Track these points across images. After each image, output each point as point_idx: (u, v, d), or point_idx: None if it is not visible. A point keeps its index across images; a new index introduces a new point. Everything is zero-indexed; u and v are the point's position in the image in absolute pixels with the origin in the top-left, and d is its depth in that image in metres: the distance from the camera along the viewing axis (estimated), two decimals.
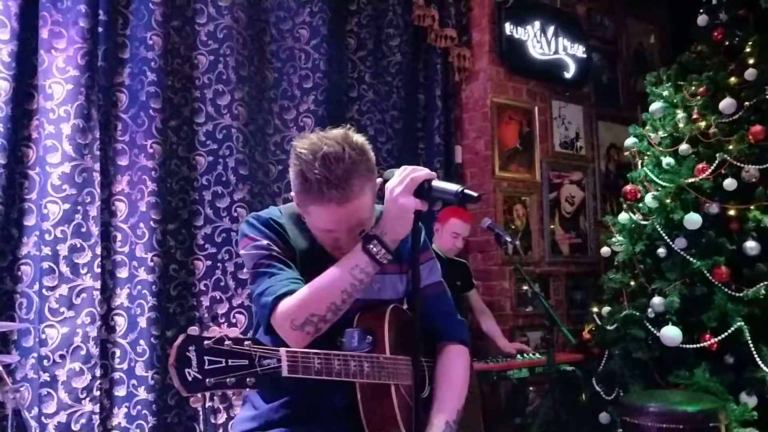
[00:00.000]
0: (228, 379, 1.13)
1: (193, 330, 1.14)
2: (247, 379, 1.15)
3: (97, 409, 2.67)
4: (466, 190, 1.22)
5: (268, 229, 1.45)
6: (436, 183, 1.27)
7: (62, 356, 2.63)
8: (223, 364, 1.13)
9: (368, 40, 3.84)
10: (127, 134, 2.94)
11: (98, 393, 2.68)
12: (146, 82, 2.95)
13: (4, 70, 2.62)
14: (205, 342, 1.12)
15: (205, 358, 1.12)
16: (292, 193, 1.42)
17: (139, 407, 2.77)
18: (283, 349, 1.22)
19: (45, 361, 2.59)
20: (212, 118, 3.13)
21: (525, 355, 3.34)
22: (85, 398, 2.64)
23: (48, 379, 2.59)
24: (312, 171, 1.30)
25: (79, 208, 2.73)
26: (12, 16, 2.66)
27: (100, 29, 2.87)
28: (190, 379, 1.10)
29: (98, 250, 2.76)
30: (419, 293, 1.31)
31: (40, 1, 2.74)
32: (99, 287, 2.74)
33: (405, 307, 1.56)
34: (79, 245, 2.71)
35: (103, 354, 2.76)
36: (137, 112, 2.94)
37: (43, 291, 2.62)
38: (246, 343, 1.16)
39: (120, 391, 2.79)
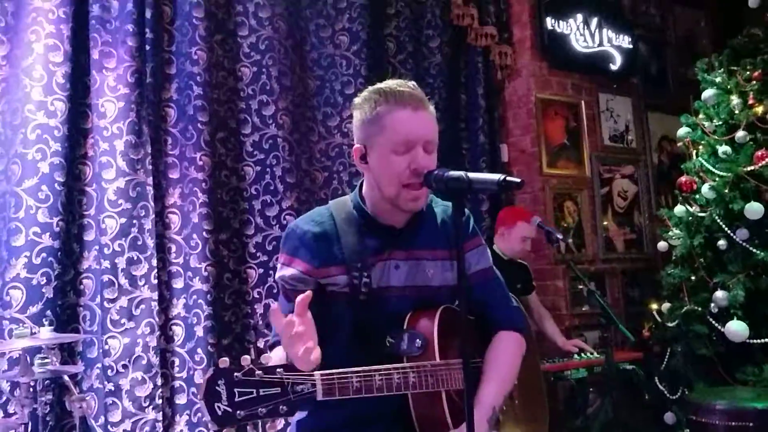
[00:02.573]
0: (260, 410, 1.12)
1: (224, 362, 1.14)
2: (281, 408, 1.15)
3: (159, 417, 2.73)
4: (508, 178, 1.20)
5: (301, 244, 1.48)
6: (474, 176, 1.25)
7: (125, 366, 2.70)
8: (254, 395, 1.13)
9: (408, 43, 3.84)
10: (177, 148, 3.01)
11: (160, 401, 2.74)
12: (193, 96, 3.01)
13: (60, 92, 2.72)
14: (235, 374, 1.12)
15: (236, 390, 1.11)
16: (357, 140, 1.49)
17: (199, 414, 2.82)
18: (318, 373, 1.21)
19: (109, 371, 2.67)
20: (258, 128, 3.18)
21: (583, 354, 3.26)
22: (148, 406, 2.71)
23: (112, 388, 2.66)
24: (384, 87, 1.44)
25: (134, 221, 2.81)
26: (65, 39, 2.76)
27: (147, 47, 2.95)
28: (220, 413, 1.10)
29: (154, 262, 2.83)
30: (465, 288, 1.28)
31: (90, 23, 2.83)
32: (156, 298, 2.81)
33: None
34: (136, 258, 2.79)
35: (163, 363, 2.82)
36: (185, 126, 3.01)
37: (105, 303, 2.70)
38: (278, 370, 1.16)
39: (181, 399, 2.84)
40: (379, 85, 1.47)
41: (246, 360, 1.14)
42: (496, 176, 1.22)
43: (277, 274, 1.54)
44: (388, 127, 1.41)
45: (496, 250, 3.38)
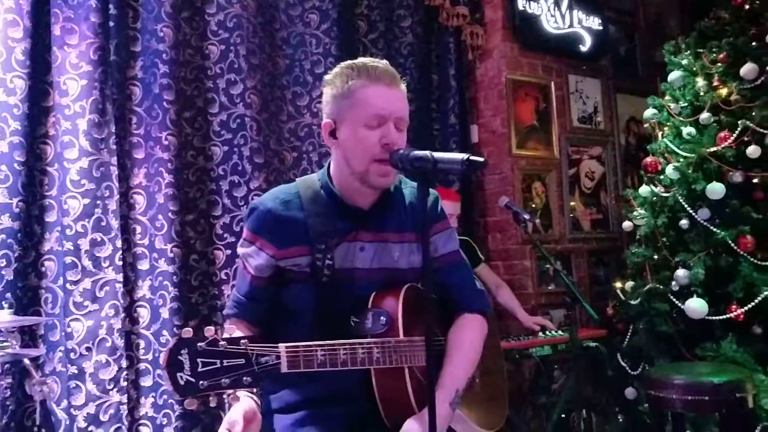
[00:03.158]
0: (223, 381, 1.12)
1: (187, 332, 1.13)
2: (244, 379, 1.14)
3: (124, 399, 2.71)
4: (471, 157, 1.21)
5: (264, 223, 1.49)
6: (439, 155, 1.26)
7: (88, 349, 2.67)
8: (218, 365, 1.12)
9: (379, 23, 3.81)
10: (142, 127, 2.95)
11: (125, 384, 2.72)
12: (159, 75, 2.96)
13: (19, 69, 2.65)
14: (199, 344, 1.11)
15: (199, 360, 1.11)
16: (327, 115, 1.48)
17: (165, 396, 2.81)
18: (282, 346, 1.21)
19: (72, 354, 2.64)
20: (226, 107, 3.14)
21: (547, 332, 3.32)
22: (112, 389, 2.69)
23: (76, 371, 2.63)
24: (358, 63, 1.45)
25: (98, 202, 2.76)
26: (24, 14, 2.68)
27: (111, 23, 2.88)
28: (182, 383, 1.09)
29: (119, 243, 2.79)
30: (430, 268, 1.29)
31: None
32: (121, 280, 2.77)
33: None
34: (99, 239, 2.75)
35: (128, 345, 2.80)
36: (151, 105, 2.96)
37: (67, 285, 2.66)
38: (242, 342, 1.15)
39: (146, 382, 2.83)
40: (351, 62, 1.48)
41: (210, 331, 1.14)
42: (461, 156, 1.23)
43: (239, 250, 1.54)
44: (360, 102, 1.41)
45: None
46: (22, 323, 2.32)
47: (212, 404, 1.15)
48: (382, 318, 1.39)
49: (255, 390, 1.37)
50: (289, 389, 1.51)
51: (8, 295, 2.51)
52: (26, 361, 2.09)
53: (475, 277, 1.67)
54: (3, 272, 2.52)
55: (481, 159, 1.22)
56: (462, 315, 1.57)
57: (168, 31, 2.99)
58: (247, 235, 1.52)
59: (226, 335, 1.15)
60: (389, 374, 1.36)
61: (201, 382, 1.10)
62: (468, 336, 1.54)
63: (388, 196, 1.53)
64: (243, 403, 1.26)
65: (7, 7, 2.64)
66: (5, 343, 2.05)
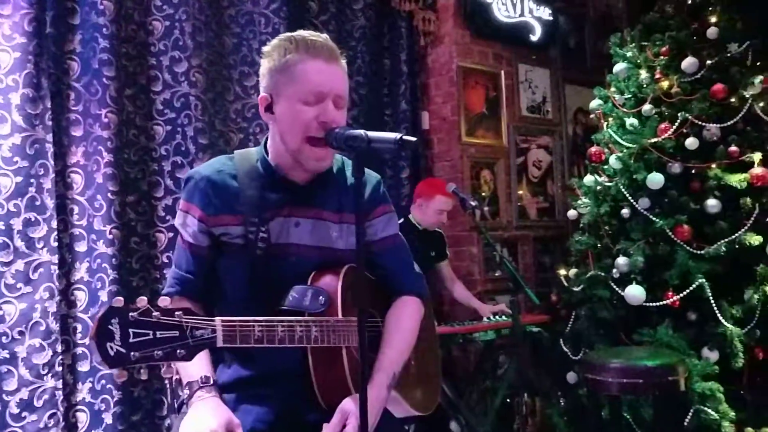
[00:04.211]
0: (156, 352, 1.08)
1: (118, 301, 1.08)
2: (178, 351, 1.11)
3: (60, 384, 2.63)
4: (404, 137, 1.20)
5: (197, 190, 1.46)
6: (373, 134, 1.24)
7: (21, 332, 2.57)
8: (150, 337, 1.08)
9: (330, 4, 3.75)
10: (80, 104, 2.84)
11: (60, 369, 2.64)
12: (98, 49, 2.84)
13: None
14: (131, 314, 1.07)
15: (130, 330, 1.06)
16: (263, 89, 1.44)
17: (103, 381, 2.74)
18: (218, 319, 1.18)
19: (3, 338, 2.54)
20: (169, 86, 3.04)
21: (495, 317, 3.37)
22: (47, 374, 2.60)
23: (7, 356, 2.54)
24: (297, 36, 1.41)
25: (32, 180, 2.65)
26: None
27: None
28: (112, 353, 1.05)
29: (54, 224, 2.69)
30: (362, 247, 1.27)
31: None
32: (56, 261, 2.68)
33: None
34: (33, 219, 2.64)
35: (64, 329, 2.70)
36: (90, 81, 2.84)
37: None
38: (177, 313, 1.12)
39: (83, 366, 2.74)
40: (290, 34, 1.43)
41: (142, 300, 1.10)
42: (394, 135, 1.22)
43: (176, 221, 1.51)
44: (298, 77, 1.37)
45: (412, 219, 3.42)
46: None
47: (143, 377, 1.12)
48: (321, 297, 1.37)
49: (212, 381, 1.36)
50: (223, 367, 1.48)
51: None
52: None
53: (413, 262, 1.67)
54: None
55: (413, 138, 1.21)
56: (400, 297, 1.57)
57: (108, 4, 2.87)
58: (182, 204, 1.48)
59: (159, 304, 1.12)
60: (326, 354, 1.35)
61: (132, 353, 1.06)
62: (405, 319, 1.54)
63: (327, 175, 1.51)
64: (217, 414, 1.27)
65: None
66: None
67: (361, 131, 1.25)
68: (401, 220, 3.31)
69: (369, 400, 1.19)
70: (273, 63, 1.41)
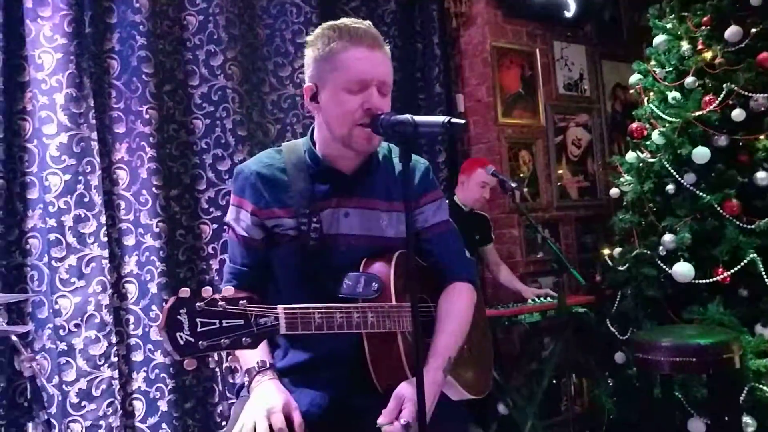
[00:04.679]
0: (222, 341, 1.11)
1: (185, 292, 1.11)
2: (243, 339, 1.13)
3: (116, 374, 2.71)
4: (452, 119, 1.19)
5: (248, 185, 1.48)
6: (420, 118, 1.24)
7: (77, 325, 2.65)
8: (217, 326, 1.11)
9: None
10: (122, 101, 2.90)
11: (116, 359, 2.71)
12: (136, 47, 2.90)
13: None
14: (197, 304, 1.10)
15: (198, 320, 1.09)
16: (308, 78, 1.45)
17: (157, 371, 2.81)
18: (281, 307, 1.21)
19: (61, 331, 2.62)
20: (206, 79, 3.08)
21: (539, 299, 3.34)
22: (103, 365, 2.68)
23: (65, 348, 2.62)
24: (340, 24, 1.41)
25: (80, 178, 2.72)
26: None
27: None
28: (182, 342, 1.08)
29: (103, 219, 2.75)
30: (412, 231, 1.28)
31: None
32: (107, 256, 2.75)
33: None
34: (83, 215, 2.71)
35: (117, 321, 2.79)
36: (130, 78, 2.90)
37: (52, 262, 2.63)
38: (241, 302, 1.14)
39: (137, 356, 2.82)
40: (333, 22, 1.43)
41: (207, 291, 1.12)
42: (442, 118, 1.22)
43: (228, 216, 1.53)
44: (342, 65, 1.38)
45: (457, 201, 3.42)
46: (8, 300, 2.30)
47: (211, 365, 1.15)
48: (374, 284, 1.39)
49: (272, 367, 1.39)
50: (279, 353, 1.51)
51: None
52: (14, 337, 2.07)
53: (464, 248, 1.67)
54: None
55: (462, 121, 1.20)
56: (452, 284, 1.57)
57: (144, 2, 2.92)
58: (233, 199, 1.52)
59: (224, 294, 1.14)
60: (382, 339, 1.36)
61: (201, 342, 1.09)
62: (459, 304, 1.54)
63: (375, 163, 1.51)
64: (276, 396, 1.31)
65: None
66: None
67: (408, 116, 1.25)
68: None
69: (425, 384, 1.20)
70: (317, 52, 1.42)
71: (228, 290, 1.15)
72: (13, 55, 2.68)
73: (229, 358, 1.18)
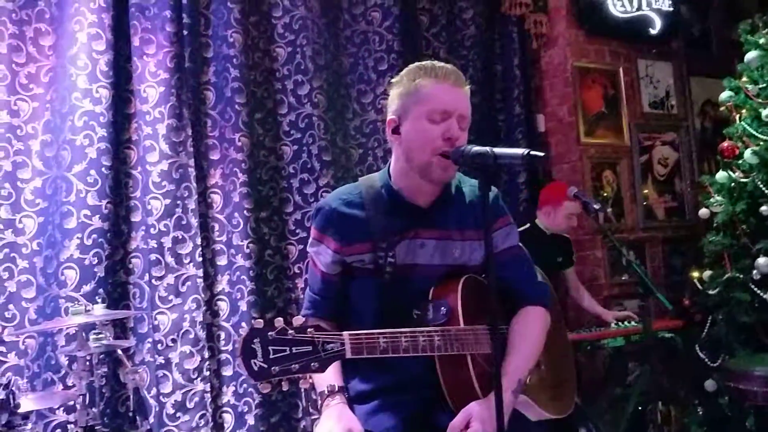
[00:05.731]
0: (293, 366, 1.20)
1: (258, 323, 1.22)
2: (312, 364, 1.22)
3: (208, 387, 2.86)
4: (532, 152, 1.24)
5: (329, 222, 1.56)
6: (499, 151, 1.28)
7: (174, 340, 2.83)
8: (287, 353, 1.21)
9: (441, 16, 3.82)
10: (216, 130, 3.10)
11: (208, 373, 2.87)
12: (230, 79, 3.09)
13: (103, 79, 2.82)
14: (269, 333, 1.20)
15: (270, 348, 1.20)
16: (392, 112, 1.53)
17: (245, 385, 2.95)
18: (346, 333, 1.29)
19: (159, 345, 2.81)
20: (294, 108, 3.24)
21: (620, 323, 3.26)
22: (196, 378, 2.84)
23: (163, 361, 2.80)
24: (426, 64, 1.52)
25: (178, 202, 2.91)
26: (106, 27, 2.85)
27: (185, 32, 3.02)
28: (256, 369, 1.19)
29: (198, 241, 2.94)
30: (492, 259, 1.32)
31: (130, 11, 2.92)
32: (201, 275, 2.92)
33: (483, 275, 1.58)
34: (181, 237, 2.90)
35: (210, 337, 2.95)
36: (224, 108, 3.09)
37: (153, 281, 2.83)
38: (309, 330, 1.24)
39: (227, 371, 2.97)
40: (420, 63, 1.54)
41: (279, 321, 1.23)
42: (520, 150, 1.27)
43: (309, 248, 1.62)
44: (426, 97, 1.47)
45: (540, 224, 3.38)
46: (114, 317, 2.49)
47: (284, 388, 1.24)
48: (442, 309, 1.44)
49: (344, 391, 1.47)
50: (360, 379, 1.57)
51: (101, 290, 2.69)
52: (119, 351, 2.25)
53: (537, 271, 1.68)
54: (95, 269, 2.71)
55: (541, 153, 1.25)
56: (525, 308, 1.60)
57: (237, 36, 3.11)
58: (314, 234, 1.60)
59: (293, 323, 1.23)
60: (453, 361, 1.41)
61: (273, 367, 1.19)
62: (532, 327, 1.56)
63: (448, 195, 1.57)
64: (340, 421, 1.38)
65: (90, 21, 2.81)
66: (100, 335, 2.22)
67: (487, 148, 1.30)
68: (527, 225, 3.30)
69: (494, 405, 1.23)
70: (402, 88, 1.50)
71: (298, 320, 1.24)
72: (121, 89, 2.93)
73: (301, 381, 1.26)
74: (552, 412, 1.55)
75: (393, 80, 1.55)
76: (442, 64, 1.51)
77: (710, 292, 3.35)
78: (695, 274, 3.57)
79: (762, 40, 3.36)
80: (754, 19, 3.52)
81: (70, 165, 2.74)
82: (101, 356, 2.62)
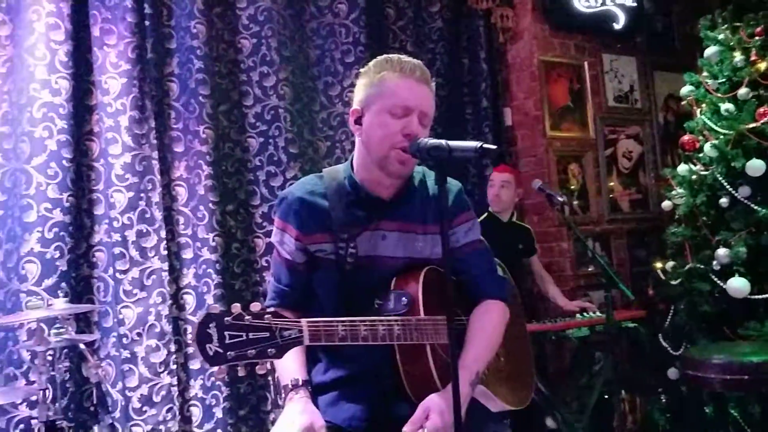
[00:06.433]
0: (249, 351, 1.21)
1: (214, 308, 1.22)
2: (269, 350, 1.22)
3: (174, 381, 2.84)
4: (485, 145, 1.26)
5: (292, 212, 1.55)
6: (454, 143, 1.30)
7: (139, 334, 2.80)
8: (244, 338, 1.21)
9: (408, 9, 3.83)
10: (180, 122, 3.06)
11: (174, 366, 2.85)
12: (194, 70, 3.05)
13: (63, 70, 2.77)
14: (226, 318, 1.20)
15: (226, 333, 1.20)
16: (356, 103, 1.54)
17: (213, 379, 2.93)
18: (304, 320, 1.28)
19: (124, 339, 2.77)
20: (260, 99, 3.22)
21: (585, 314, 3.32)
22: (163, 372, 2.82)
23: (128, 355, 2.77)
24: (394, 57, 1.51)
25: (142, 195, 2.88)
26: (65, 17, 2.79)
27: (146, 23, 2.98)
28: (211, 353, 1.19)
29: (163, 234, 2.91)
30: (447, 250, 1.33)
31: (89, 1, 2.86)
32: (167, 268, 2.90)
33: None
34: (145, 230, 2.87)
35: (176, 331, 2.92)
36: (188, 100, 3.06)
37: (117, 274, 2.80)
38: (266, 316, 1.23)
39: (194, 365, 2.94)
40: (388, 56, 1.54)
41: (236, 307, 1.22)
42: (474, 144, 1.28)
43: (273, 238, 1.62)
44: (389, 91, 1.47)
45: (491, 211, 3.41)
46: (76, 311, 2.45)
47: (241, 373, 1.23)
48: (403, 299, 1.44)
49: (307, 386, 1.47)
50: (320, 369, 1.58)
51: (63, 284, 2.65)
52: (82, 345, 2.22)
53: (497, 265, 1.70)
54: (57, 263, 2.66)
55: (494, 147, 1.27)
56: (484, 301, 1.61)
57: (201, 27, 3.07)
58: (277, 222, 1.59)
59: (250, 309, 1.23)
60: (412, 352, 1.41)
61: (229, 352, 1.19)
62: (490, 321, 1.58)
63: (412, 188, 1.57)
64: (301, 415, 1.36)
65: (48, 11, 2.75)
66: (62, 329, 2.18)
67: (443, 141, 1.31)
68: (484, 215, 3.33)
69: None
70: (367, 79, 1.51)
71: (255, 306, 1.23)
72: (81, 80, 2.87)
73: (258, 367, 1.26)
74: (511, 403, 1.57)
75: (361, 70, 1.55)
76: (409, 58, 1.51)
77: (673, 282, 3.42)
78: (658, 264, 3.64)
79: (721, 36, 3.43)
80: (713, 14, 3.59)
81: (30, 157, 2.68)
82: (64, 351, 2.58)
